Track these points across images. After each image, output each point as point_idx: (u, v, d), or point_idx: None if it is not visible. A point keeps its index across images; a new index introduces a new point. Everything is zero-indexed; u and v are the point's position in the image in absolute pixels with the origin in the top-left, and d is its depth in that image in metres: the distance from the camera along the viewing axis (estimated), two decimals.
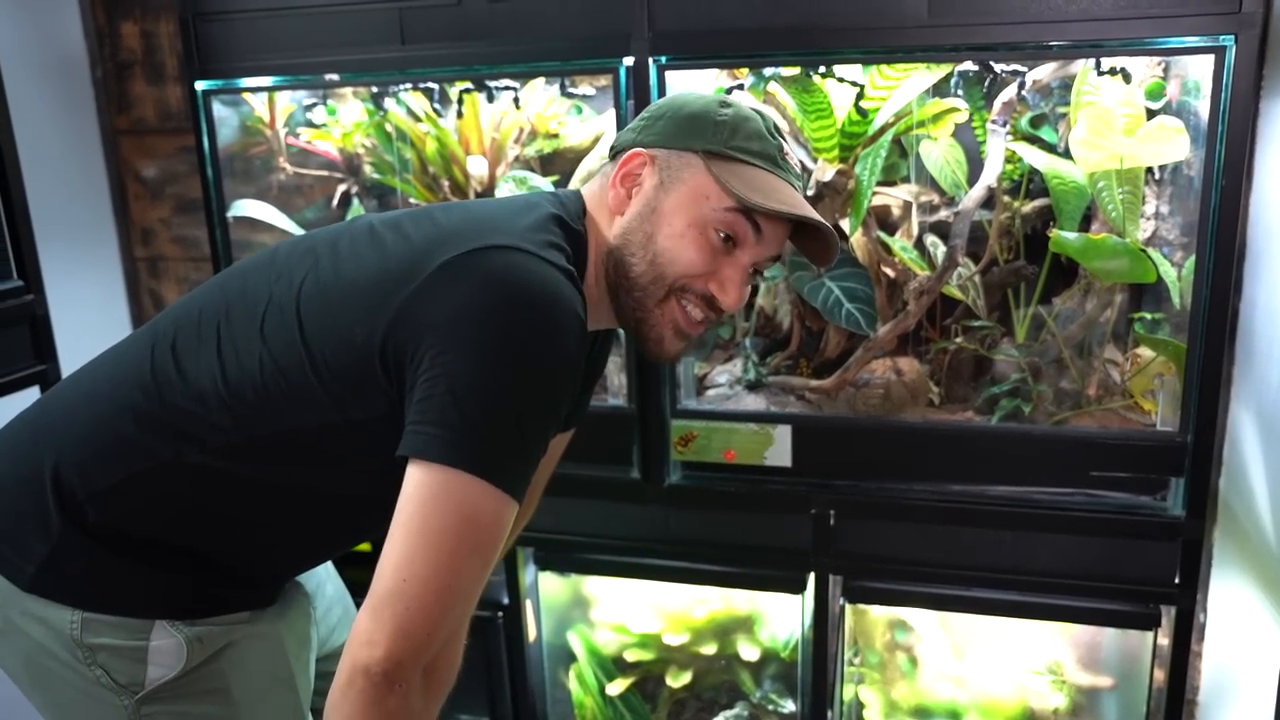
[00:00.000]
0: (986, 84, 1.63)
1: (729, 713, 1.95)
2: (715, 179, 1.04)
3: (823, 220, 1.07)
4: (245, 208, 1.96)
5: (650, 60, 1.58)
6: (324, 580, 1.35)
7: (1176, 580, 1.58)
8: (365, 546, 1.96)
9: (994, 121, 1.60)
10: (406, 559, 0.88)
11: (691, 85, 1.74)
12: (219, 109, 1.89)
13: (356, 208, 2.04)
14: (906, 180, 1.77)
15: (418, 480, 0.90)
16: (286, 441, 0.99)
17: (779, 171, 1.08)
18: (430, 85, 1.81)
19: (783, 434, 1.69)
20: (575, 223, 1.07)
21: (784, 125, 1.73)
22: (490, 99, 1.78)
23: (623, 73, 1.59)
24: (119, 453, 1.01)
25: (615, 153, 1.12)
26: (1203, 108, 1.45)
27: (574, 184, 1.79)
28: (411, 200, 1.92)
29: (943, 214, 1.74)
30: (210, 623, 1.05)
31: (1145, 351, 1.63)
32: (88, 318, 2.25)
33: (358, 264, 1.00)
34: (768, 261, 1.11)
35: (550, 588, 1.97)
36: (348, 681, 0.88)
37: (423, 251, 0.96)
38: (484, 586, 0.95)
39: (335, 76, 1.78)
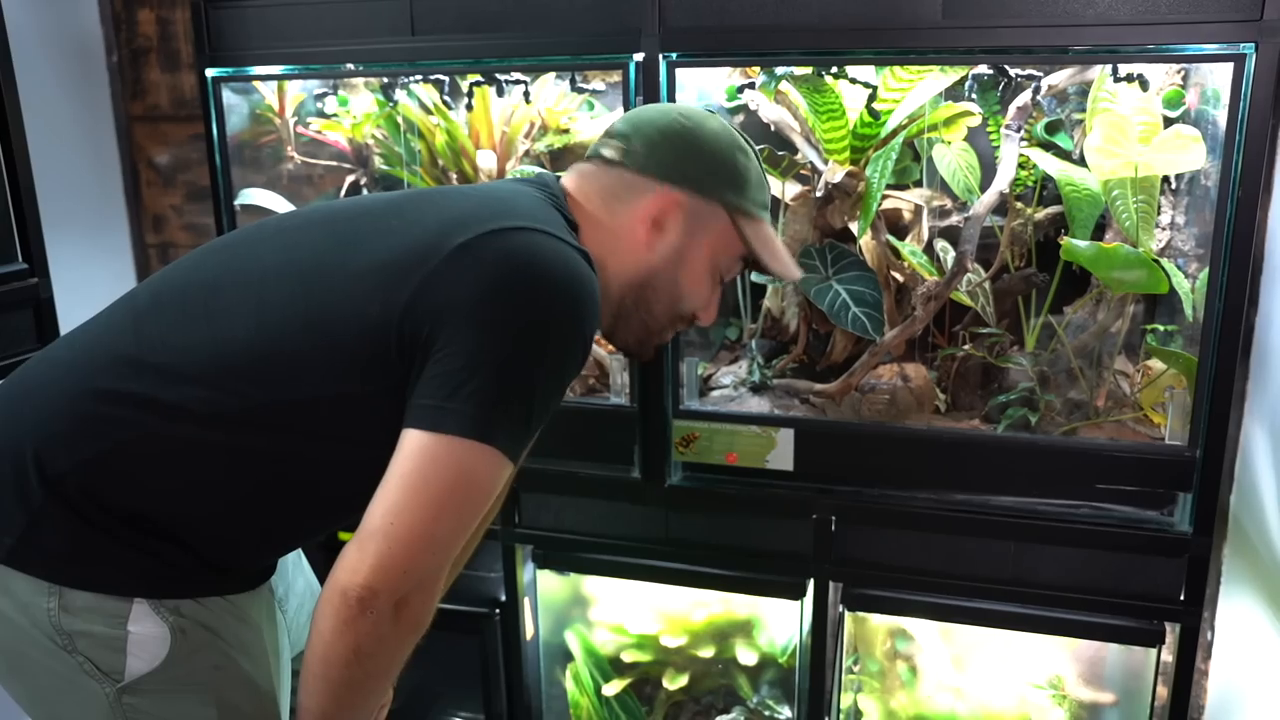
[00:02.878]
0: (1001, 88, 1.61)
1: (725, 717, 1.94)
2: (741, 237, 1.15)
3: (797, 278, 1.26)
4: (252, 196, 1.95)
5: (660, 57, 1.56)
6: (293, 578, 1.32)
7: (1182, 597, 1.56)
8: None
9: (1008, 126, 1.58)
10: (396, 508, 0.93)
11: (702, 83, 1.72)
12: (230, 97, 1.88)
13: None
14: (918, 184, 1.75)
15: (423, 444, 0.93)
16: (280, 412, 1.00)
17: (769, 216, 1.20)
18: (440, 77, 1.80)
19: (785, 437, 1.67)
20: (567, 212, 1.11)
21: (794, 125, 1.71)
22: (500, 93, 1.77)
23: (632, 69, 1.58)
24: (105, 423, 1.00)
25: (610, 160, 1.15)
26: (1221, 117, 1.42)
27: None
28: None
29: (954, 219, 1.72)
30: (190, 604, 1.02)
31: (1156, 363, 1.61)
32: (97, 303, 2.25)
33: (365, 243, 1.02)
34: None
35: (548, 586, 1.95)
36: (327, 599, 0.94)
37: (436, 233, 0.98)
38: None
39: (348, 66, 1.77)
